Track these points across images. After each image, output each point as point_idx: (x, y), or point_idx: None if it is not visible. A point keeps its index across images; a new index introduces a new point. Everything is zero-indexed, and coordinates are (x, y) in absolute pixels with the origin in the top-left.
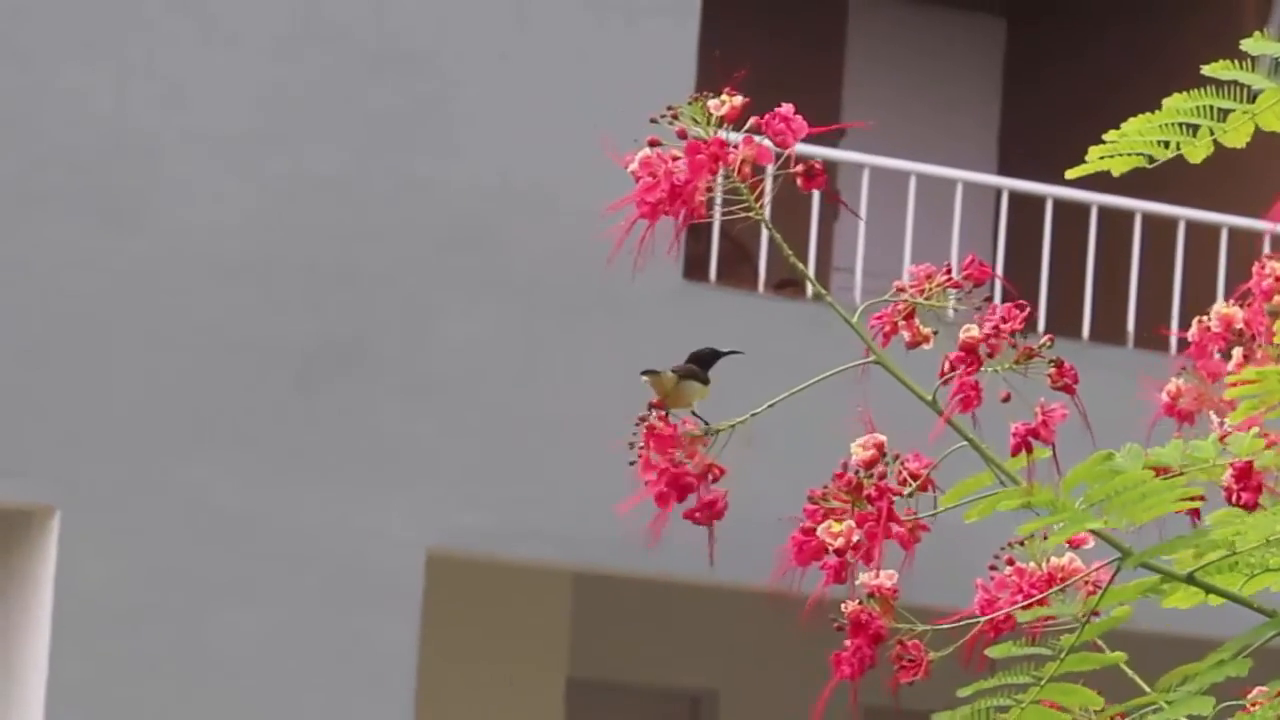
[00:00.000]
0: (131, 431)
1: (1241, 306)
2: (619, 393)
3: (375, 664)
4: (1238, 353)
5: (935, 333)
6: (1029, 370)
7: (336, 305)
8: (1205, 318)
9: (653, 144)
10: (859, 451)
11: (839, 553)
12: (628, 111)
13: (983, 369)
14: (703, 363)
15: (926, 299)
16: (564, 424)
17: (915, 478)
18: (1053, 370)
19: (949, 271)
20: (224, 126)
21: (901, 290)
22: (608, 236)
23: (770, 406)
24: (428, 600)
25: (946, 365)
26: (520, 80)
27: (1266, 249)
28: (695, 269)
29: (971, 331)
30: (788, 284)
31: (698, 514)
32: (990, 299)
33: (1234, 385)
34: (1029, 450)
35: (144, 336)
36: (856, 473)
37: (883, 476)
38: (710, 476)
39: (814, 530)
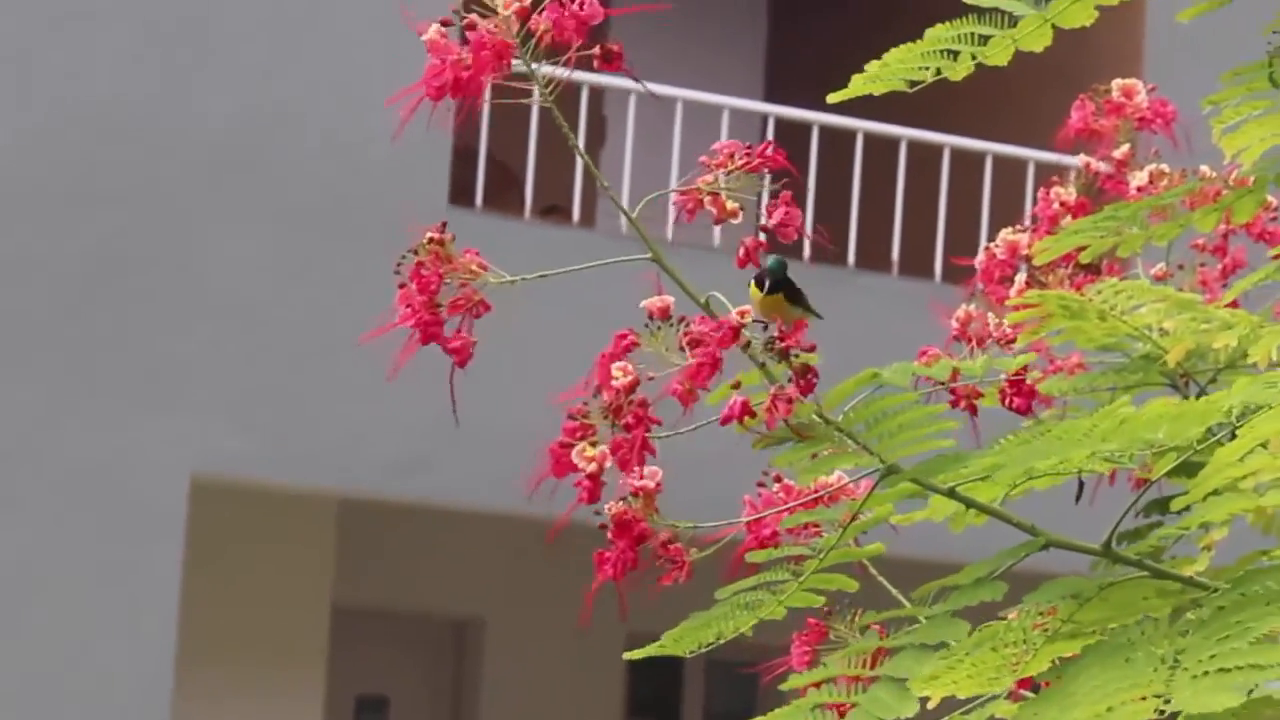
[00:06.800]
0: None
1: (1028, 232)
2: (384, 316)
3: (139, 589)
4: (1020, 278)
5: (741, 208)
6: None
7: (103, 227)
8: (993, 244)
9: (445, 24)
10: (619, 375)
11: (590, 477)
12: (394, 30)
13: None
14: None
15: (730, 176)
16: (330, 349)
17: (697, 344)
18: (796, 377)
19: (749, 151)
20: None
21: (706, 165)
22: (374, 162)
23: (542, 277)
24: (191, 525)
25: (741, 252)
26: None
27: (1029, 176)
28: (461, 194)
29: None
30: (554, 209)
31: (452, 352)
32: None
33: (1015, 309)
34: (744, 421)
35: None
36: (617, 394)
37: (644, 405)
38: (474, 313)
39: (570, 446)
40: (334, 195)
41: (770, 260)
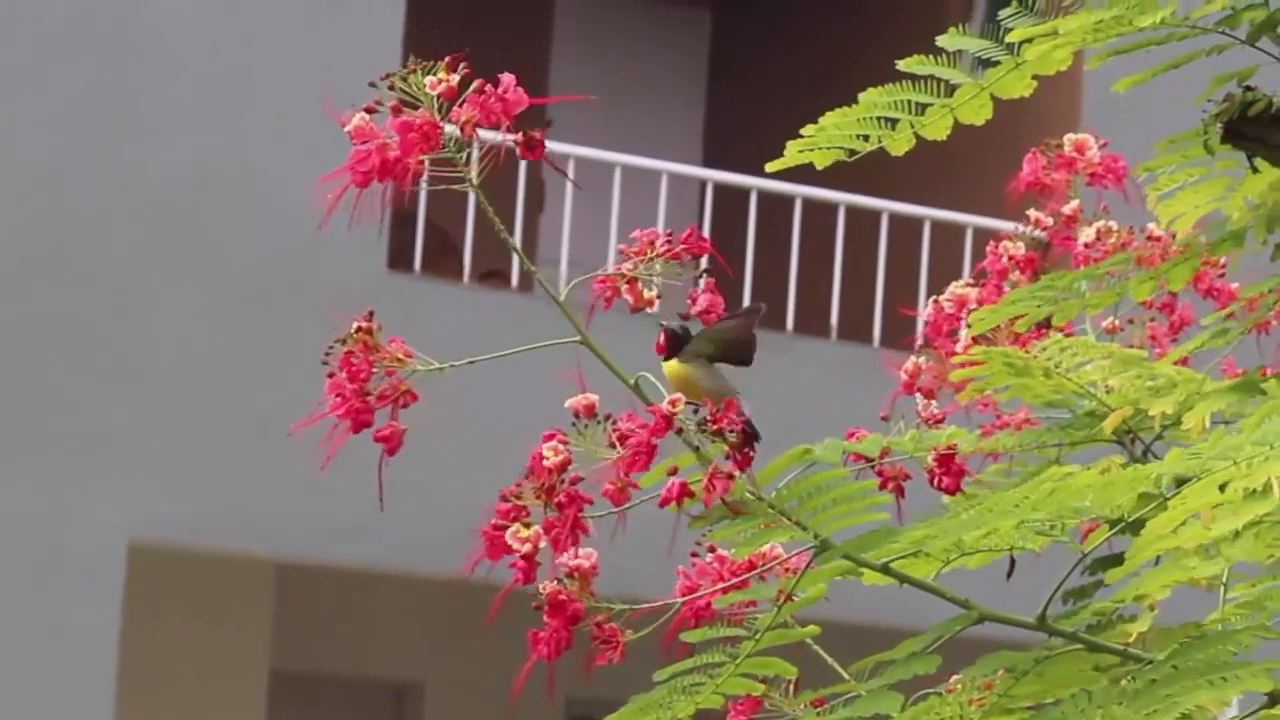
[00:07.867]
0: None
1: (976, 286)
2: (322, 383)
3: (76, 654)
4: (966, 334)
5: (659, 297)
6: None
7: (43, 290)
8: (941, 298)
9: (370, 110)
10: (551, 455)
11: (525, 558)
12: (333, 97)
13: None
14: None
15: (648, 264)
16: (267, 414)
17: (625, 439)
18: (734, 452)
19: (670, 239)
20: None
21: (624, 254)
22: (311, 227)
23: (470, 362)
24: (129, 590)
25: (662, 338)
26: (226, 66)
27: (968, 242)
28: (400, 259)
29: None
30: (492, 274)
31: (381, 440)
32: (703, 276)
33: (961, 366)
34: (682, 502)
35: None
36: (549, 474)
37: (575, 482)
38: (401, 402)
39: (504, 528)
40: (272, 261)
41: (667, 328)
